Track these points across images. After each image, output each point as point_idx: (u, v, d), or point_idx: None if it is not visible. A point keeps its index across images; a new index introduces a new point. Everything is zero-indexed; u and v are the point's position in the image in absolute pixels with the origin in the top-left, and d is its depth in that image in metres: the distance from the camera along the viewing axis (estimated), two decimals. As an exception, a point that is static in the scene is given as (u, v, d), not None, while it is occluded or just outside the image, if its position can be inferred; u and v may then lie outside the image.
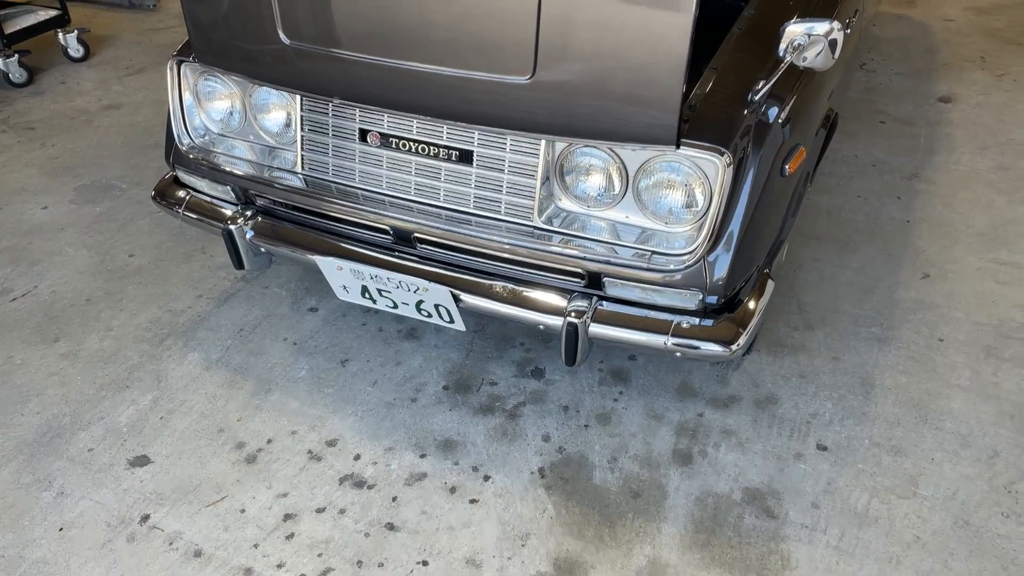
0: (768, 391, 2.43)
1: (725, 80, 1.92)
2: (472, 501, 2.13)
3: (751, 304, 1.94)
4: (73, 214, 3.34)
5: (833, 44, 1.81)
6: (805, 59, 1.83)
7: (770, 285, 2.02)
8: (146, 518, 2.11)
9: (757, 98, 1.85)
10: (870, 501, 2.10)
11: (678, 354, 1.89)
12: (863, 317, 2.70)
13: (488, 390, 2.45)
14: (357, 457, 2.25)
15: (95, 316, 2.79)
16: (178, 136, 2.26)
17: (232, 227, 2.21)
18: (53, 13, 4.56)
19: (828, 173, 3.48)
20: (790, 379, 2.47)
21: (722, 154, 1.75)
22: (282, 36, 1.99)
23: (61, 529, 2.08)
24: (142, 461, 2.26)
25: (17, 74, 4.38)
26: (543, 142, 1.89)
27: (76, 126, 4.04)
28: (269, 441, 2.31)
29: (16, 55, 4.34)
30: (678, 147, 1.74)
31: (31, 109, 4.20)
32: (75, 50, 4.69)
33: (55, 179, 3.59)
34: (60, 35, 4.63)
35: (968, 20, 5.05)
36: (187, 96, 2.26)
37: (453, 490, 2.16)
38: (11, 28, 4.36)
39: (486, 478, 2.19)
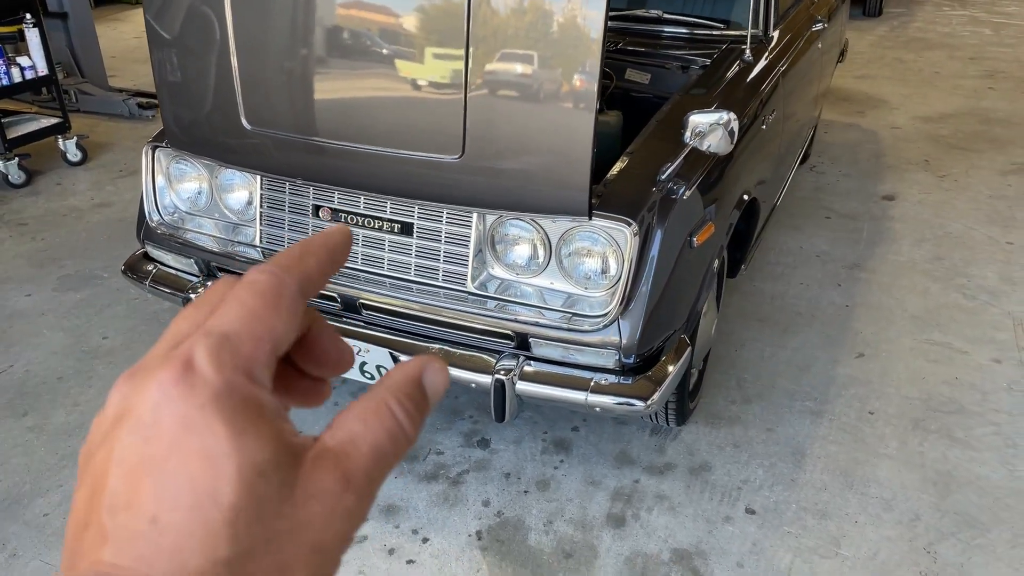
0: (703, 459, 2.53)
1: (637, 162, 2.13)
2: (409, 562, 2.20)
3: (668, 364, 2.08)
4: (54, 300, 3.51)
5: (731, 132, 2.03)
6: (708, 145, 2.04)
7: (687, 348, 2.16)
8: (92, 578, 2.16)
9: (664, 177, 2.05)
10: (793, 561, 2.17)
11: (597, 409, 2.01)
12: (799, 392, 2.83)
13: (434, 459, 2.55)
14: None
15: (64, 392, 2.91)
16: (149, 214, 2.46)
17: (192, 296, 2.38)
18: (55, 121, 4.88)
19: (773, 262, 3.68)
20: (724, 448, 2.57)
21: (630, 224, 1.94)
22: (244, 123, 2.21)
23: (9, 588, 2.14)
24: (94, 525, 2.33)
25: (16, 175, 4.65)
26: (475, 215, 2.09)
27: (67, 222, 4.26)
28: (219, 505, 2.38)
29: (17, 158, 4.62)
30: (591, 218, 1.93)
31: (26, 207, 4.44)
32: (73, 155, 4.99)
33: (41, 269, 3.77)
34: (60, 141, 4.94)
35: (915, 128, 5.38)
36: (159, 178, 2.48)
37: (391, 551, 2.23)
38: (14, 133, 4.66)
39: (424, 540, 2.26)
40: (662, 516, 2.32)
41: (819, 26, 3.55)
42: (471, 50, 1.88)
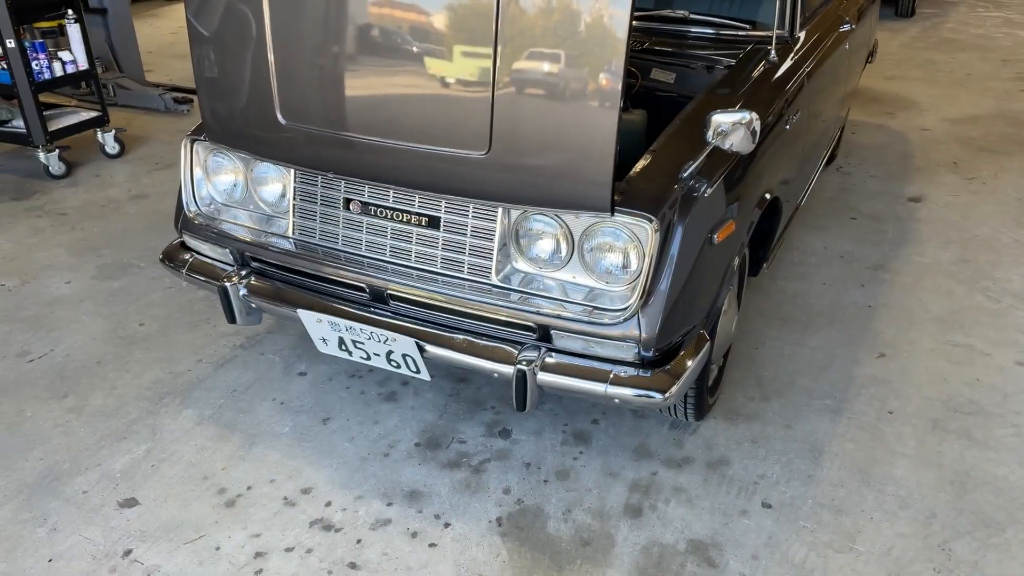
0: (720, 454, 2.57)
1: (660, 159, 2.18)
2: (431, 545, 2.26)
3: (687, 359, 2.12)
4: (93, 288, 3.63)
5: (753, 132, 2.06)
6: (730, 144, 2.09)
7: (706, 343, 2.20)
8: (128, 553, 2.26)
9: (686, 175, 2.10)
10: (807, 555, 2.21)
11: (616, 400, 2.06)
12: (818, 391, 2.85)
13: (457, 447, 2.62)
14: (328, 504, 2.41)
15: (103, 376, 3.02)
16: (187, 204, 2.56)
17: (227, 284, 2.47)
18: (94, 114, 5.02)
19: (797, 262, 3.70)
20: (742, 444, 2.61)
21: (651, 220, 1.99)
22: (280, 118, 2.29)
23: (51, 560, 2.24)
24: (131, 503, 2.43)
25: (56, 167, 4.79)
26: (500, 209, 2.15)
27: (105, 213, 4.39)
28: (249, 488, 2.47)
29: (57, 150, 4.76)
30: (613, 214, 1.98)
31: (66, 198, 4.58)
32: (111, 147, 5.12)
33: (80, 258, 3.90)
34: (99, 134, 5.07)
35: (944, 130, 5.36)
36: (197, 170, 2.57)
37: (415, 535, 2.30)
38: (55, 126, 4.80)
39: (446, 525, 2.33)
40: (679, 508, 2.37)
41: (847, 27, 3.56)
42: (499, 49, 1.94)
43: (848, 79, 3.91)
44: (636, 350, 2.05)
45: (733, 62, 2.78)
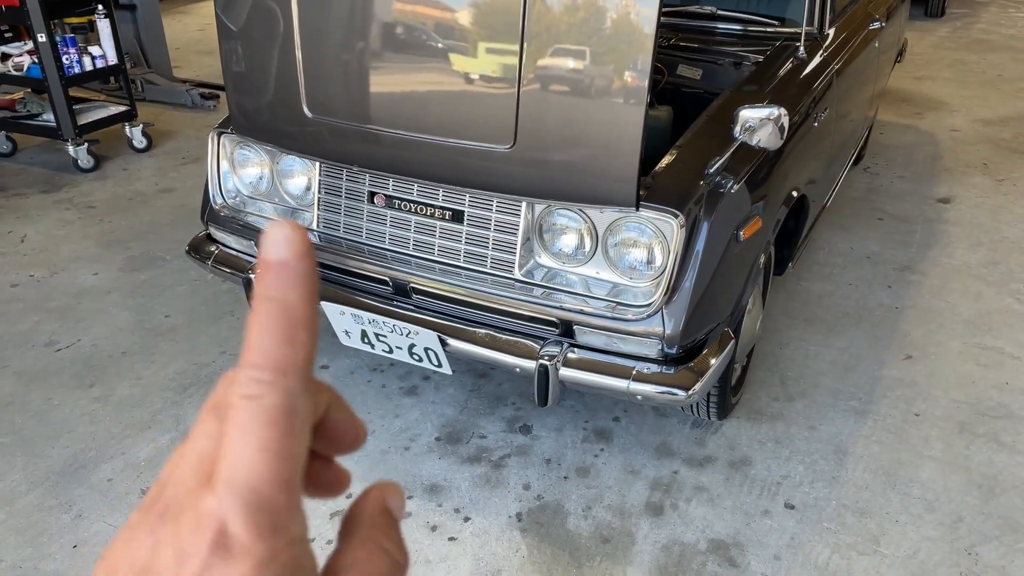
0: (743, 453, 2.55)
1: (686, 155, 2.16)
2: (451, 539, 2.27)
3: (710, 356, 2.11)
4: (120, 280, 3.67)
5: (781, 128, 2.05)
6: (758, 140, 2.07)
7: (730, 341, 2.18)
8: (151, 541, 2.28)
9: (712, 171, 2.08)
10: (831, 556, 2.18)
11: (639, 397, 2.05)
12: (843, 392, 2.82)
13: (477, 442, 2.62)
14: (349, 496, 2.39)
15: (129, 367, 3.05)
16: (213, 197, 2.58)
17: (252, 276, 2.48)
18: (122, 109, 5.08)
19: (822, 262, 3.66)
20: (766, 444, 2.59)
21: (676, 216, 1.97)
22: (306, 111, 2.30)
23: (75, 546, 2.27)
24: (154, 492, 2.45)
25: (85, 160, 4.85)
26: (524, 204, 2.14)
27: (132, 206, 4.43)
28: (271, 478, 2.48)
29: (86, 144, 4.82)
30: (638, 209, 1.97)
31: (94, 191, 4.63)
32: (139, 141, 5.18)
33: (108, 250, 3.94)
34: (127, 128, 5.13)
35: (975, 131, 5.28)
36: (224, 163, 2.59)
37: (434, 528, 2.30)
38: (84, 120, 4.86)
39: (466, 519, 2.33)
40: (700, 507, 2.35)
41: (876, 25, 3.52)
42: (525, 45, 1.93)
43: (877, 78, 3.87)
44: (660, 347, 2.04)
45: (761, 59, 2.76)
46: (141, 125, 5.14)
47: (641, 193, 1.97)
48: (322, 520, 2.33)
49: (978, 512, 2.31)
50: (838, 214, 4.11)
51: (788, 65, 2.68)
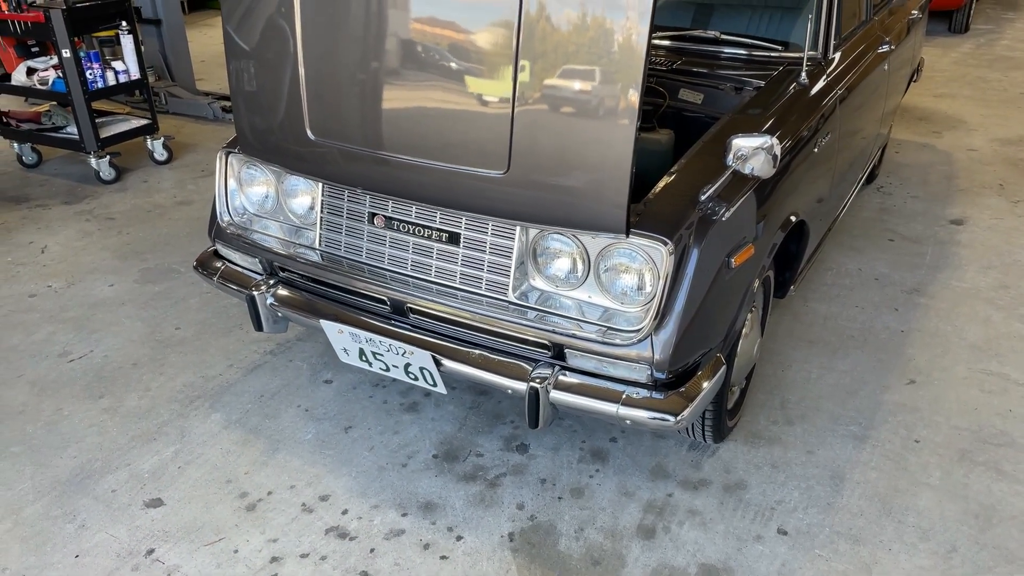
0: (739, 477, 2.55)
1: (680, 181, 2.18)
2: (443, 557, 2.29)
3: (702, 381, 2.12)
4: (134, 291, 3.75)
5: (773, 157, 2.06)
6: (751, 168, 2.08)
7: (722, 366, 2.19)
8: (151, 552, 2.33)
9: (704, 198, 2.09)
10: (822, 583, 2.18)
11: (628, 421, 2.06)
12: (843, 416, 2.81)
13: (474, 460, 2.64)
14: (345, 512, 2.45)
15: (138, 378, 3.11)
16: (220, 214, 2.63)
17: (255, 293, 2.53)
18: (144, 122, 5.19)
19: (829, 283, 3.65)
20: (762, 468, 2.58)
21: (666, 244, 1.99)
22: (309, 134, 2.34)
23: (77, 556, 2.32)
24: (156, 503, 2.51)
25: (107, 172, 4.96)
26: (518, 228, 2.17)
27: (150, 218, 4.53)
28: (269, 493, 2.53)
29: (108, 156, 4.93)
30: (628, 236, 1.99)
31: (114, 203, 4.73)
32: (160, 154, 5.29)
33: (125, 262, 4.03)
34: (148, 141, 5.24)
35: (992, 150, 5.23)
36: (231, 182, 2.64)
37: (427, 546, 2.32)
38: (106, 133, 4.98)
39: (459, 538, 2.35)
40: (693, 531, 2.35)
41: (885, 48, 3.51)
42: (519, 69, 1.96)
43: (888, 100, 3.85)
44: (649, 371, 2.05)
45: (762, 83, 2.77)
46: (162, 138, 5.25)
47: (633, 219, 1.98)
48: (317, 535, 2.36)
49: (973, 542, 2.30)
50: (848, 234, 4.09)
51: (789, 90, 2.69)
